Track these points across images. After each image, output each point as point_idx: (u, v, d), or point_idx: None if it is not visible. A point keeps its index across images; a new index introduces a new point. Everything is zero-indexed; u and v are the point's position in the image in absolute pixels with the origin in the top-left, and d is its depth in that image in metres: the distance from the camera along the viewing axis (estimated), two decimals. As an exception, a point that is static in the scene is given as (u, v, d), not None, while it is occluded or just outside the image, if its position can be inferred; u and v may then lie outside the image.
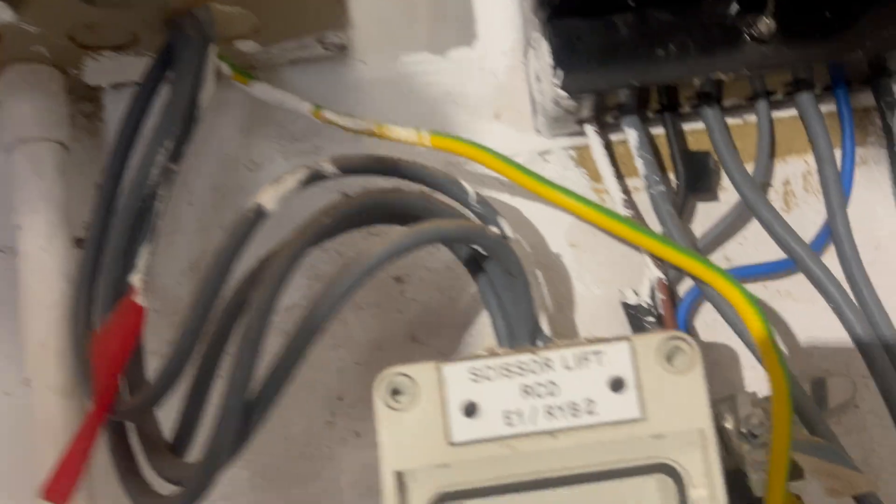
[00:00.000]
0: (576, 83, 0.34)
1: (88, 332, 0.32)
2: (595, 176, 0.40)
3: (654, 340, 0.28)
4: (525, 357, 0.28)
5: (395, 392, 0.28)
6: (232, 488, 0.37)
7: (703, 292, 0.37)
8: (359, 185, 0.34)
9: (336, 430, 0.38)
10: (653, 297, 0.37)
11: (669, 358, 0.28)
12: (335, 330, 0.38)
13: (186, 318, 0.29)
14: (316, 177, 0.31)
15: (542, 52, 0.36)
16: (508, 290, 0.34)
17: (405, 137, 0.32)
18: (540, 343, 0.34)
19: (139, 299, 0.32)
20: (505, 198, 0.39)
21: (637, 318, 0.37)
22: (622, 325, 0.38)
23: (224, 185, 0.40)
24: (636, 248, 0.38)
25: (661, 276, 0.37)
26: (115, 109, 0.40)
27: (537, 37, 0.37)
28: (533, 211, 0.40)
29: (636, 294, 0.38)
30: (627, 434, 0.28)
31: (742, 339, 0.36)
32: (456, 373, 0.28)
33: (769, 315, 0.40)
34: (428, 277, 0.39)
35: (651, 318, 0.37)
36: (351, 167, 0.31)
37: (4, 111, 0.36)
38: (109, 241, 0.32)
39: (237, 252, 0.29)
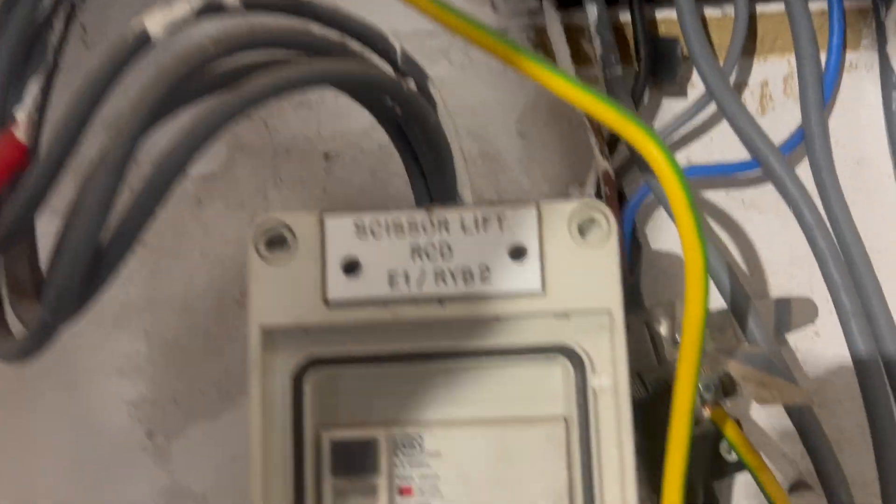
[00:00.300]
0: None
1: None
2: (551, 58, 0.36)
3: (566, 208, 0.25)
4: (419, 215, 0.25)
5: (272, 243, 0.25)
6: (127, 362, 0.34)
7: (652, 190, 0.33)
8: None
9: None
10: (598, 191, 0.34)
11: (582, 230, 0.25)
12: (253, 203, 0.36)
13: (52, 145, 0.26)
14: (214, 6, 0.27)
15: None
16: (432, 165, 0.30)
17: None
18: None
19: (21, 135, 0.29)
20: (453, 79, 0.36)
21: (579, 213, 0.34)
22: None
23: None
24: (588, 142, 0.35)
25: (608, 168, 0.33)
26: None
27: None
28: (482, 98, 0.36)
29: (580, 186, 0.34)
30: (525, 308, 0.24)
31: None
32: (339, 225, 0.25)
33: (731, 226, 0.36)
34: (360, 157, 0.36)
35: (594, 214, 0.33)
36: (256, 1, 0.28)
37: None
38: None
39: (113, 79, 0.26)
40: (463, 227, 0.25)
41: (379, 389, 0.25)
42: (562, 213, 0.25)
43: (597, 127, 0.34)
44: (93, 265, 0.25)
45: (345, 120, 0.36)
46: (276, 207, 0.36)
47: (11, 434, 0.34)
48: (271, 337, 0.25)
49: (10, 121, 0.29)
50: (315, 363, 0.25)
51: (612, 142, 0.34)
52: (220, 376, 0.35)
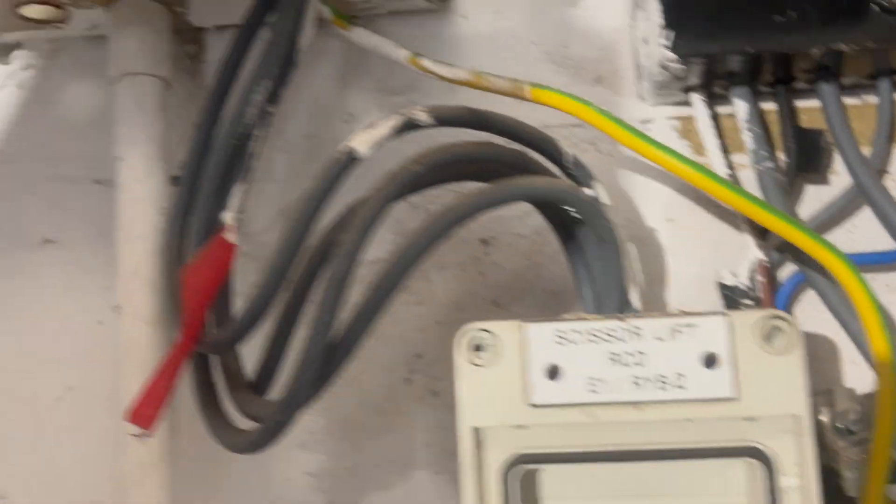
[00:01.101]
0: (686, 46, 0.33)
1: (179, 266, 0.33)
2: (699, 149, 0.38)
3: (752, 318, 0.27)
4: (614, 324, 0.27)
5: (477, 348, 0.27)
6: (308, 436, 0.37)
7: (806, 278, 0.35)
8: (452, 136, 0.33)
9: (413, 387, 0.37)
10: (751, 279, 0.35)
11: (768, 338, 0.27)
12: (418, 287, 0.38)
13: (274, 257, 0.29)
14: (410, 125, 0.30)
15: (651, 13, 0.34)
16: (599, 259, 0.33)
17: (503, 88, 0.31)
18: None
19: (230, 237, 0.32)
20: (602, 167, 0.38)
21: (733, 299, 0.35)
22: (715, 305, 0.36)
23: (317, 134, 0.40)
24: (736, 227, 0.37)
25: (763, 257, 0.35)
26: (218, 51, 0.40)
27: (649, -3, 0.35)
28: (630, 183, 0.38)
29: (734, 275, 0.36)
30: (718, 413, 0.26)
31: (846, 330, 0.34)
32: (541, 333, 0.27)
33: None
34: (515, 242, 0.39)
35: (748, 301, 0.35)
36: (445, 118, 0.31)
37: (112, 44, 0.36)
38: (204, 177, 0.33)
39: (327, 195, 0.29)
40: (657, 336, 0.27)
41: (576, 485, 0.27)
42: (749, 322, 0.27)
43: (748, 218, 0.36)
44: (325, 361, 0.27)
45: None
46: (438, 290, 0.38)
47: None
48: (478, 434, 0.27)
49: (219, 226, 0.32)
50: (520, 460, 0.27)
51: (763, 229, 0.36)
52: (393, 450, 0.37)
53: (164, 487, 0.32)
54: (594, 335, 0.27)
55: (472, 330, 0.27)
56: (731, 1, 0.33)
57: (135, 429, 0.29)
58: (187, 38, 0.40)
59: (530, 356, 0.27)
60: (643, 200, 0.38)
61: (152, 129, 0.35)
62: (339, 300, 0.27)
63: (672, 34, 0.33)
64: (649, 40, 0.35)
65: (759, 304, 0.35)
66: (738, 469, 0.27)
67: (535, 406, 0.27)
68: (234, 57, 0.35)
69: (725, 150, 0.37)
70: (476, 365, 0.27)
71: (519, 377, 0.27)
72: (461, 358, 0.27)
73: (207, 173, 0.32)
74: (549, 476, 0.27)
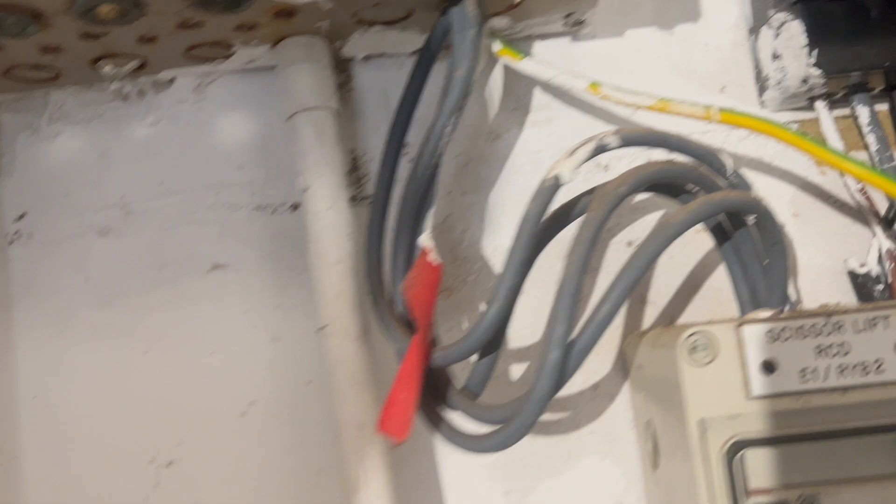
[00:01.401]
0: (832, 63, 0.36)
1: (380, 286, 0.36)
2: (821, 150, 0.42)
3: (937, 307, 0.30)
4: (818, 320, 0.31)
5: (693, 349, 0.31)
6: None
7: (932, 262, 0.39)
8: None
9: (574, 380, 0.41)
10: (881, 265, 0.39)
11: (950, 324, 0.30)
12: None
13: (507, 275, 0.32)
14: (601, 149, 0.33)
15: (791, 32, 0.38)
16: (754, 258, 0.36)
17: (692, 113, 0.35)
18: (788, 308, 0.36)
19: (433, 257, 0.35)
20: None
21: (865, 286, 0.40)
22: (845, 293, 0.40)
23: (466, 153, 0.42)
24: (860, 220, 0.41)
25: (891, 245, 0.39)
26: (365, 80, 0.43)
27: (781, 16, 0.38)
28: (757, 183, 0.42)
29: (862, 265, 0.40)
30: (912, 393, 0.30)
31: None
32: (755, 332, 0.31)
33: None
34: (656, 243, 0.42)
35: (880, 286, 0.39)
36: (630, 139, 0.34)
37: (284, 81, 0.39)
38: (403, 203, 0.35)
39: (541, 215, 0.32)
40: (856, 328, 0.30)
41: (789, 464, 0.31)
42: (934, 311, 0.30)
43: (875, 210, 0.40)
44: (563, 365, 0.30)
45: (640, 213, 0.42)
46: (589, 293, 0.41)
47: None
48: (703, 425, 0.30)
49: (419, 248, 0.35)
50: (739, 446, 0.30)
51: (888, 219, 0.40)
52: (561, 440, 0.40)
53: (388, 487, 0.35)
54: (801, 331, 0.31)
55: (692, 332, 0.31)
56: (867, 19, 0.37)
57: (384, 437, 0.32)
58: (339, 68, 0.42)
59: (747, 353, 0.30)
60: (770, 198, 0.42)
61: (333, 158, 0.38)
62: (573, 310, 0.30)
63: (817, 52, 0.36)
64: (784, 56, 0.39)
65: (890, 288, 0.39)
66: (931, 440, 0.31)
67: (753, 398, 0.30)
68: (411, 89, 0.37)
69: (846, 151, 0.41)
70: (696, 365, 0.30)
71: (738, 373, 0.30)
72: (682, 359, 0.31)
73: (407, 199, 0.35)
74: (764, 458, 0.31)
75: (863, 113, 0.40)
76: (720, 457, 0.30)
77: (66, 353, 0.41)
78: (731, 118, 0.34)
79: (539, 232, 0.33)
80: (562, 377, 0.31)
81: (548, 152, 0.42)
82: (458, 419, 0.35)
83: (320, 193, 0.37)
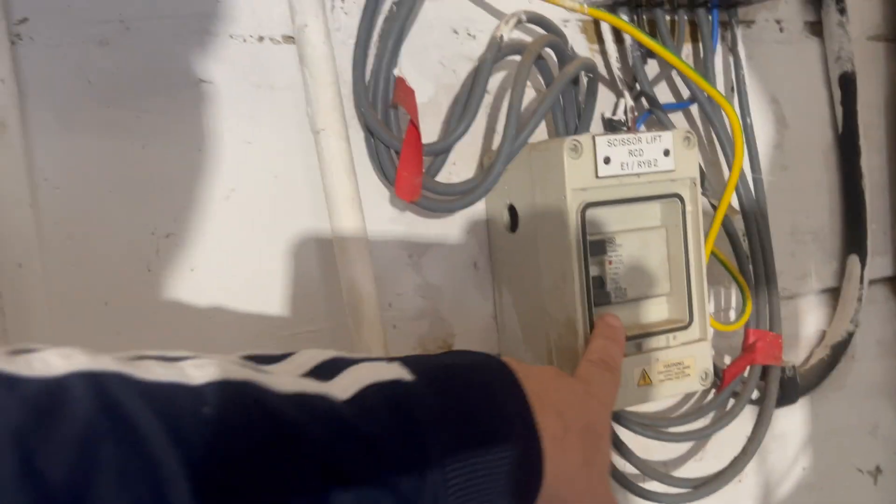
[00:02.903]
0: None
1: (369, 101, 0.51)
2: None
3: (680, 132, 0.56)
4: (631, 136, 0.55)
5: (572, 150, 0.53)
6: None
7: (652, 113, 0.66)
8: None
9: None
10: (626, 115, 0.65)
11: (685, 141, 0.57)
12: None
13: (472, 101, 0.50)
14: (519, 21, 0.53)
15: (600, -38, 0.60)
16: (572, 103, 0.59)
17: (570, 6, 0.55)
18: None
19: (407, 83, 0.51)
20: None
21: (612, 126, 0.65)
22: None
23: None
24: (615, 88, 0.66)
25: (632, 103, 0.65)
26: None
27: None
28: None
29: (614, 115, 0.65)
30: (667, 178, 0.56)
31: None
32: (602, 140, 0.53)
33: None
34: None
35: (625, 128, 0.65)
36: (531, 18, 0.54)
37: None
38: (383, 42, 0.51)
39: (495, 60, 0.51)
40: (647, 141, 0.55)
41: (606, 217, 0.55)
42: (678, 134, 0.56)
43: (627, 81, 0.65)
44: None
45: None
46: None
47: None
48: (574, 193, 0.53)
49: (396, 78, 0.52)
50: (587, 206, 0.54)
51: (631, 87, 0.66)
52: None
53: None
54: (623, 141, 0.54)
55: (570, 140, 0.52)
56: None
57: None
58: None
59: (597, 152, 0.53)
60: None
61: (324, 2, 0.51)
62: (518, 120, 0.50)
63: (618, -22, 0.59)
64: (592, -24, 0.61)
65: (629, 130, 0.65)
66: (671, 203, 0.57)
67: (598, 177, 0.53)
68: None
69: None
70: (573, 158, 0.53)
71: (591, 163, 0.53)
72: (565, 154, 0.52)
73: (385, 38, 0.51)
74: (596, 213, 0.55)
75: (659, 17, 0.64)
76: (577, 212, 0.53)
77: (73, 143, 0.49)
78: (595, 12, 0.56)
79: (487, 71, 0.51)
80: (510, 156, 0.50)
81: (439, 19, 0.60)
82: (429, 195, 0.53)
83: (316, 29, 0.51)
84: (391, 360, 0.35)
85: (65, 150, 0.49)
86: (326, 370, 0.32)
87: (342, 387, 0.31)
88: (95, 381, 0.25)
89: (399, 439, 0.30)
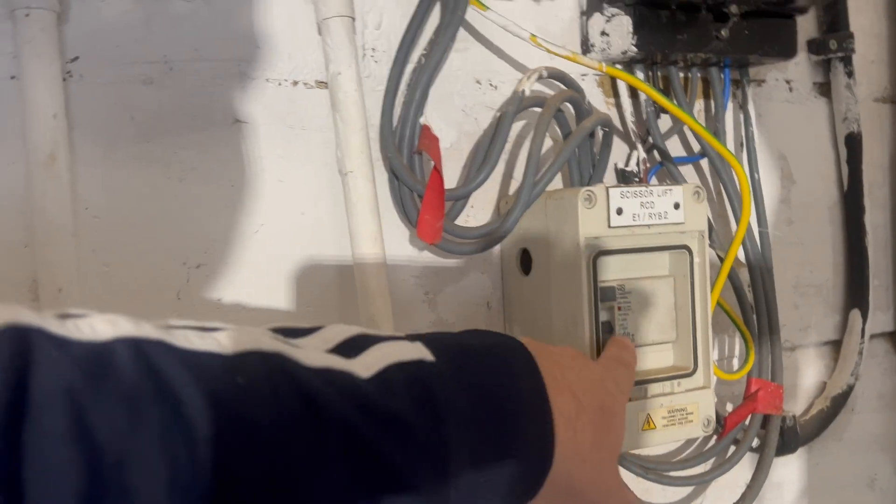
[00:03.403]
0: (646, 45, 0.62)
1: (396, 145, 0.54)
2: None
3: (690, 186, 0.59)
4: (643, 188, 0.57)
5: (586, 199, 0.55)
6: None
7: (663, 165, 0.69)
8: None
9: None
10: (638, 167, 0.68)
11: (695, 195, 0.59)
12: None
13: (495, 148, 0.53)
14: (540, 77, 0.56)
15: (621, 21, 0.63)
16: (588, 154, 0.62)
17: (589, 64, 0.58)
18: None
19: (432, 131, 0.54)
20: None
21: (626, 177, 0.68)
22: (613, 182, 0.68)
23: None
24: (628, 139, 0.69)
25: (645, 156, 0.68)
26: None
27: (613, 10, 0.64)
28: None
29: (626, 166, 0.68)
30: (676, 230, 0.58)
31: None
32: (615, 192, 0.56)
33: (676, 184, 0.73)
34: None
35: (637, 179, 0.68)
36: (552, 75, 0.57)
37: (320, -8, 0.53)
38: (410, 93, 0.54)
39: (517, 112, 0.54)
40: (658, 194, 0.58)
41: (616, 265, 0.58)
42: (688, 189, 0.59)
43: (639, 133, 0.68)
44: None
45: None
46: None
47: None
48: (587, 241, 0.55)
49: (422, 126, 0.54)
50: (599, 254, 0.56)
51: (644, 139, 0.68)
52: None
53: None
54: (635, 194, 0.57)
55: (584, 191, 0.55)
56: (675, 23, 0.63)
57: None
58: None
59: (610, 203, 0.56)
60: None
61: (356, 53, 0.54)
62: (536, 170, 0.53)
63: (637, 37, 0.62)
64: (610, 34, 0.64)
65: (640, 181, 0.68)
66: (679, 255, 0.59)
67: (611, 227, 0.56)
68: (416, 19, 0.55)
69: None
70: (587, 208, 0.55)
71: (604, 213, 0.56)
72: (580, 204, 0.55)
73: (414, 89, 0.54)
74: (608, 261, 0.57)
75: (673, 74, 0.68)
76: (589, 259, 0.56)
77: (114, 175, 0.52)
78: (612, 71, 0.59)
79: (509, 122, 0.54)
80: (528, 203, 0.53)
81: (464, 70, 0.63)
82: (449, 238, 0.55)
83: (349, 77, 0.54)
84: (413, 339, 0.36)
85: (106, 182, 0.51)
86: (352, 347, 0.33)
87: (366, 364, 0.32)
88: (139, 347, 0.26)
89: (419, 419, 0.31)
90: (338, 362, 0.31)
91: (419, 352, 0.34)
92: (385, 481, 0.30)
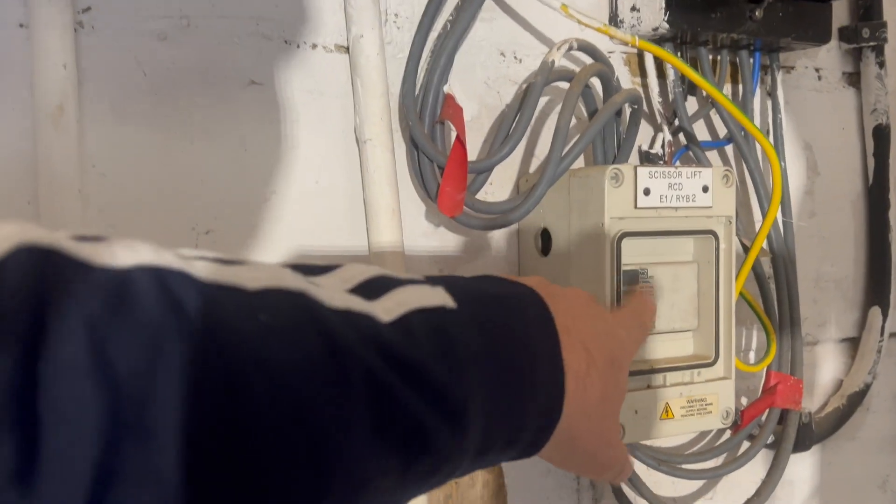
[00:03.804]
0: (677, 23, 0.60)
1: (417, 114, 0.52)
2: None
3: (719, 170, 0.57)
4: (672, 169, 0.55)
5: (613, 178, 0.53)
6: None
7: (688, 148, 0.66)
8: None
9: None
10: (663, 149, 0.66)
11: (724, 179, 0.57)
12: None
13: (522, 120, 0.50)
14: (570, 48, 0.53)
15: (651, -4, 0.61)
16: (612, 131, 0.60)
17: (622, 37, 0.56)
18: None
19: (456, 100, 0.52)
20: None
21: (651, 160, 0.66)
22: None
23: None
24: (654, 122, 0.67)
25: (671, 138, 0.66)
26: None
27: (643, -16, 0.61)
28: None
29: (651, 148, 0.66)
30: (704, 213, 0.56)
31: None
32: (643, 171, 0.54)
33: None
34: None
35: (661, 162, 0.65)
36: (581, 47, 0.54)
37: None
38: (434, 60, 0.52)
39: (546, 82, 0.51)
40: (687, 176, 0.55)
41: (641, 248, 0.56)
42: (717, 172, 0.57)
43: (666, 115, 0.66)
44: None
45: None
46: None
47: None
48: (612, 221, 0.53)
49: (446, 95, 0.52)
50: (623, 235, 0.54)
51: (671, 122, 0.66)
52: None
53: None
54: (663, 174, 0.55)
55: (612, 169, 0.53)
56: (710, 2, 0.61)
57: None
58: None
59: (637, 182, 0.54)
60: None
61: (380, 16, 0.52)
62: (563, 143, 0.51)
63: (669, 13, 0.60)
64: (641, 9, 0.62)
65: (665, 164, 0.66)
66: (705, 240, 0.57)
67: (637, 208, 0.54)
68: None
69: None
70: (614, 187, 0.53)
71: (631, 193, 0.54)
72: (607, 182, 0.53)
73: (439, 56, 0.51)
74: (632, 243, 0.55)
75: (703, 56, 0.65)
76: (614, 241, 0.54)
77: (123, 132, 0.49)
78: (645, 45, 0.56)
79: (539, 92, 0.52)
80: (553, 179, 0.51)
81: (489, 40, 0.60)
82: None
83: (371, 41, 0.51)
84: (434, 283, 0.34)
85: (115, 139, 0.49)
86: (372, 288, 0.31)
87: (386, 308, 0.30)
88: (160, 277, 0.24)
89: (440, 370, 0.30)
90: (359, 304, 0.30)
91: (441, 297, 0.33)
92: (405, 434, 0.28)
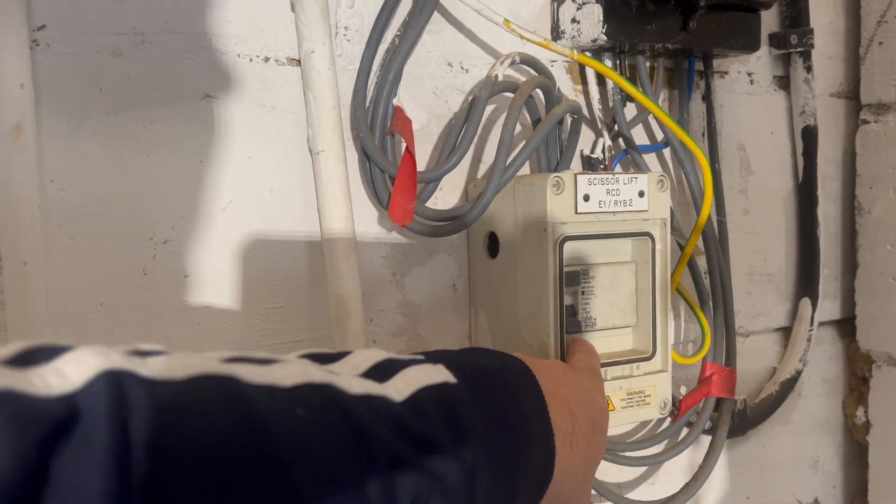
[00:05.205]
0: (615, 34, 0.63)
1: (368, 126, 0.54)
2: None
3: (654, 175, 0.60)
4: (610, 176, 0.58)
5: (554, 185, 0.56)
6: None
7: (627, 153, 0.70)
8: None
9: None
10: (604, 154, 0.69)
11: (659, 184, 0.60)
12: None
13: (467, 133, 0.53)
14: (513, 62, 0.56)
15: (592, 9, 0.64)
16: (555, 141, 0.63)
17: (561, 51, 0.58)
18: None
19: (405, 113, 0.54)
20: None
21: (592, 165, 0.69)
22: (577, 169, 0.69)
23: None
24: (595, 128, 0.70)
25: (611, 143, 0.69)
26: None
27: (582, -3, 0.64)
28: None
29: (592, 154, 0.69)
30: (640, 217, 0.60)
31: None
32: (583, 179, 0.57)
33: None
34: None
35: (602, 166, 0.69)
36: (524, 60, 0.57)
37: (295, -32, 0.53)
38: (384, 73, 0.54)
39: (490, 96, 0.54)
40: (624, 182, 0.59)
41: (581, 251, 0.59)
42: (653, 178, 0.60)
43: (605, 121, 0.69)
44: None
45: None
46: (452, 150, 0.64)
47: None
48: (554, 225, 0.56)
49: (395, 107, 0.55)
50: (565, 239, 0.57)
51: (610, 127, 0.69)
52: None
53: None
54: (602, 181, 0.58)
55: (552, 177, 0.56)
56: (645, 13, 0.64)
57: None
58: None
59: (577, 189, 0.57)
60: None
61: (329, 31, 0.54)
62: (507, 155, 0.53)
63: (607, 26, 0.63)
64: (581, 21, 0.65)
65: (605, 167, 0.69)
66: (641, 242, 0.61)
67: (578, 213, 0.57)
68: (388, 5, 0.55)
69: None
70: (555, 194, 0.56)
71: (571, 199, 0.57)
72: (549, 190, 0.56)
73: (388, 70, 0.54)
74: (574, 246, 0.58)
75: (640, 63, 0.68)
76: (556, 244, 0.57)
77: (80, 148, 0.51)
78: (583, 59, 0.59)
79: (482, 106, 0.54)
80: (499, 187, 0.54)
81: (436, 52, 0.63)
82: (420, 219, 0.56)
83: (323, 55, 0.53)
84: (434, 361, 0.38)
85: (72, 155, 0.51)
86: (381, 371, 0.36)
87: (398, 389, 0.35)
88: (221, 384, 0.28)
89: (448, 441, 0.34)
90: (374, 388, 0.34)
91: (443, 374, 0.37)
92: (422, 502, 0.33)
